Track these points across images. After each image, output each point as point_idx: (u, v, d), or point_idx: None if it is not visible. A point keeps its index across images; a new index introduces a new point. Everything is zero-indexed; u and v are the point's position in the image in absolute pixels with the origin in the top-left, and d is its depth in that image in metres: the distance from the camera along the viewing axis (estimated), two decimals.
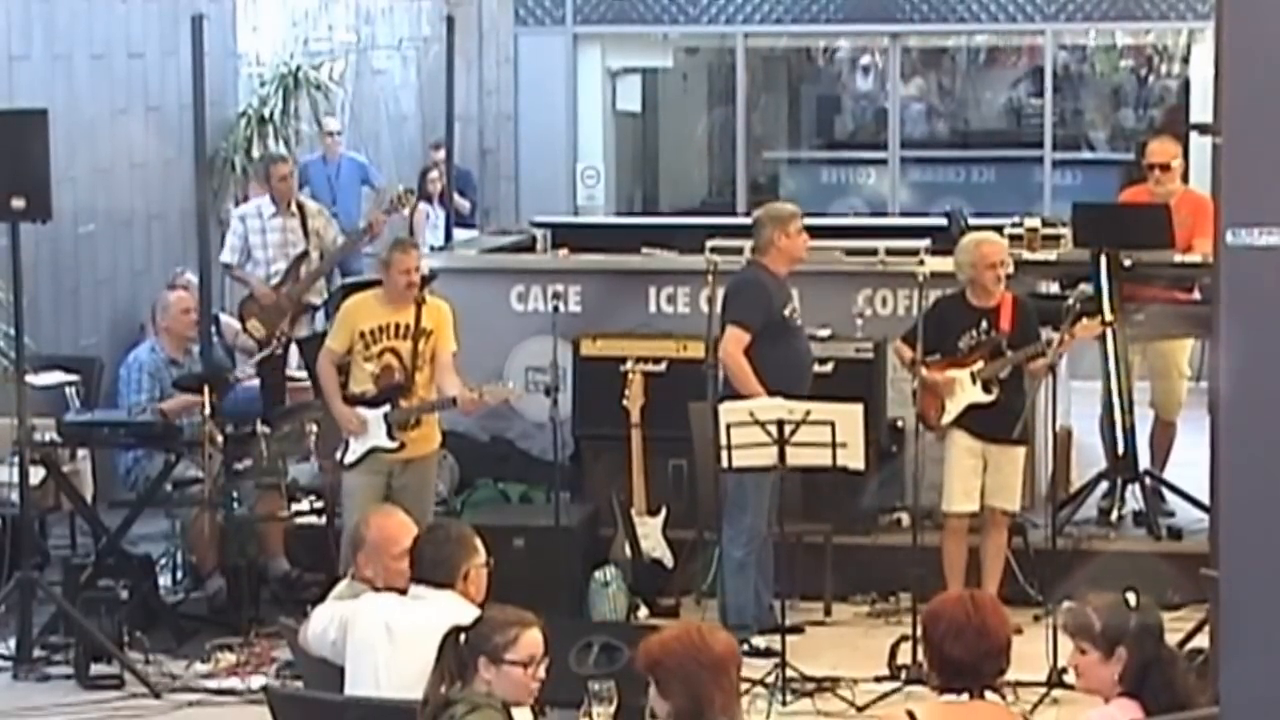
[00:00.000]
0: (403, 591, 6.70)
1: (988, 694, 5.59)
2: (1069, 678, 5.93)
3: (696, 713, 5.24)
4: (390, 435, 9.62)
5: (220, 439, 9.91)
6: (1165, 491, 10.90)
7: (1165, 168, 10.93)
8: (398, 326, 9.68)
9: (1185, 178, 11.63)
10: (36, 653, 9.47)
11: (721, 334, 9.66)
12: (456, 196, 16.80)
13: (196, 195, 11.29)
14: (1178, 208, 10.68)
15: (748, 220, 10.40)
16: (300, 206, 12.08)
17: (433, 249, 13.11)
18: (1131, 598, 5.75)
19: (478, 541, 6.64)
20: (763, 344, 9.61)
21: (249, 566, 10.12)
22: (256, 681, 9.05)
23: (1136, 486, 10.77)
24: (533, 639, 5.72)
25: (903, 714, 5.45)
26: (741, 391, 9.48)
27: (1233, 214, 4.31)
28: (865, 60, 20.28)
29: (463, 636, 5.71)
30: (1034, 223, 11.41)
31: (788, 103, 20.94)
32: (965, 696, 5.53)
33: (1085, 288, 10.19)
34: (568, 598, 9.83)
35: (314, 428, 10.23)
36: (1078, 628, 5.76)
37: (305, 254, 11.87)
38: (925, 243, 11.21)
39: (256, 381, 11.02)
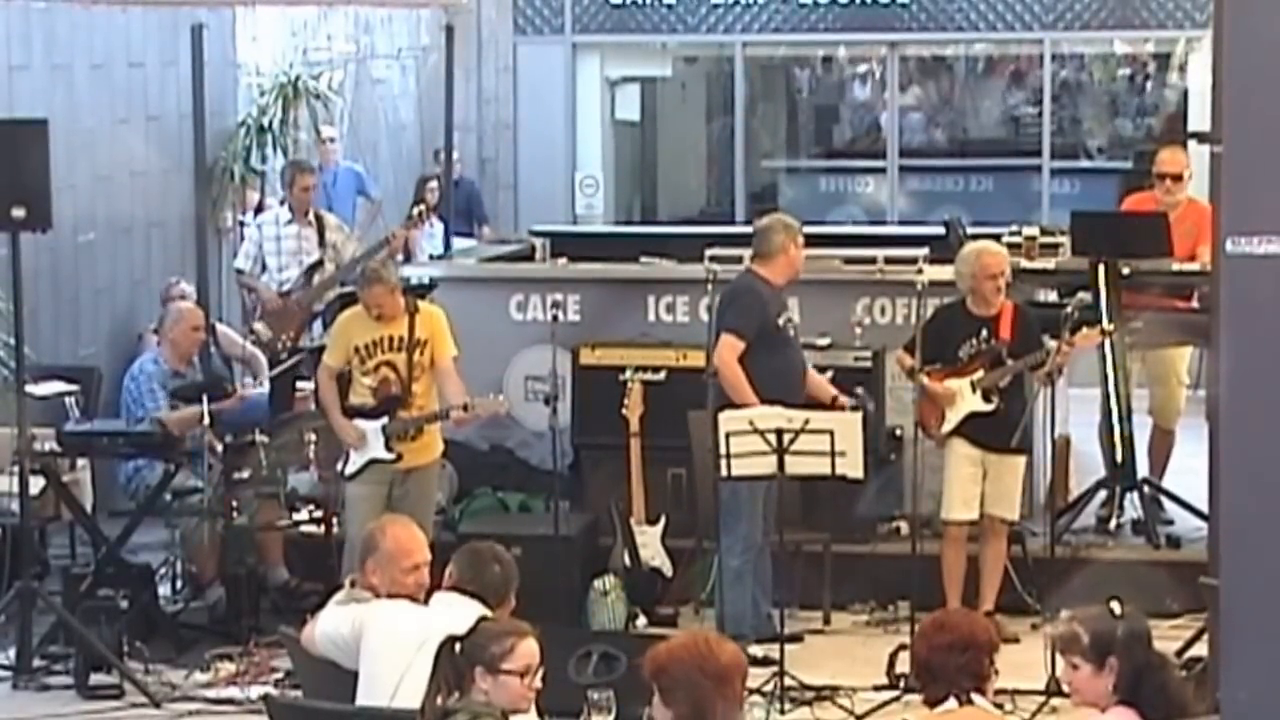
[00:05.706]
0: (411, 601, 6.72)
1: (977, 699, 5.61)
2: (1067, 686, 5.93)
3: None
4: (388, 447, 9.63)
5: (219, 448, 9.93)
6: (1164, 499, 10.91)
7: (1177, 178, 10.88)
8: (392, 339, 9.68)
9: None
10: (36, 662, 9.47)
11: (715, 341, 9.67)
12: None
13: (196, 204, 11.32)
14: (1183, 217, 10.69)
15: (747, 229, 10.39)
16: (318, 217, 12.07)
17: (432, 258, 13.08)
18: (1116, 606, 5.76)
19: None
20: (757, 352, 9.59)
21: (248, 576, 10.11)
22: (256, 691, 9.04)
23: (1135, 495, 10.77)
24: (528, 648, 5.72)
25: None
26: (735, 400, 9.46)
27: (1232, 222, 4.33)
28: (863, 69, 20.29)
29: (458, 646, 5.70)
30: (1032, 231, 11.40)
31: (786, 112, 20.94)
32: (954, 703, 5.54)
33: (1084, 296, 10.19)
34: (567, 607, 9.83)
35: (313, 437, 10.24)
36: (1066, 643, 5.76)
37: (320, 263, 11.87)
38: (924, 251, 11.20)
39: (262, 389, 10.99)
